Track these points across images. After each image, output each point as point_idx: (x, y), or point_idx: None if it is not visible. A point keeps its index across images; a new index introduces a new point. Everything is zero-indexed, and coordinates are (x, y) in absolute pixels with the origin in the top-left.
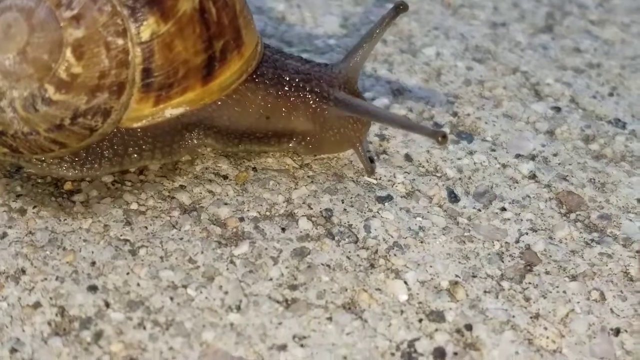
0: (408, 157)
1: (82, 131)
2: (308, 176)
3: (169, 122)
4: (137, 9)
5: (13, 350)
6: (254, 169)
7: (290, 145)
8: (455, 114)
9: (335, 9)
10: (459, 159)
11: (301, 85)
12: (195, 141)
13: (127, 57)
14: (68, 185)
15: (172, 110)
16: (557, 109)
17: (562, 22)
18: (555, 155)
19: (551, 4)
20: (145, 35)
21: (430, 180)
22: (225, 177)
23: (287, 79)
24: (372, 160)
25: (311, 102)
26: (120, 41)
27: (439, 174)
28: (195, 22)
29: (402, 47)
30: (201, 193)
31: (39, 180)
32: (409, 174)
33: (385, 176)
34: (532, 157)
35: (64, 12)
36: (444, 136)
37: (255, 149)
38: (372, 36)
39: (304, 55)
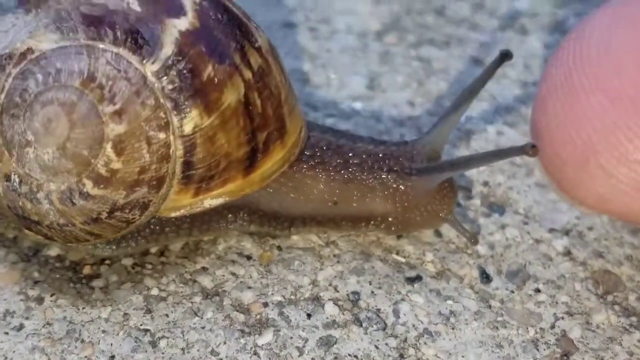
0: (437, 233)
1: (118, 224)
2: (334, 255)
3: None
4: (181, 102)
5: None
6: (279, 247)
7: (368, 228)
8: (486, 184)
9: (361, 68)
10: (490, 234)
11: (376, 167)
12: (236, 224)
13: (169, 150)
14: (87, 270)
15: (211, 200)
16: None
17: None
18: (590, 229)
19: None
20: (187, 128)
21: (460, 258)
22: (248, 258)
23: (357, 162)
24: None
25: (390, 181)
26: (162, 135)
27: (469, 251)
28: (239, 115)
29: (430, 109)
30: (224, 275)
31: (57, 265)
32: (438, 251)
33: (414, 254)
34: (566, 232)
35: (106, 106)
36: (533, 146)
37: (313, 232)
38: (472, 93)
39: (329, 121)
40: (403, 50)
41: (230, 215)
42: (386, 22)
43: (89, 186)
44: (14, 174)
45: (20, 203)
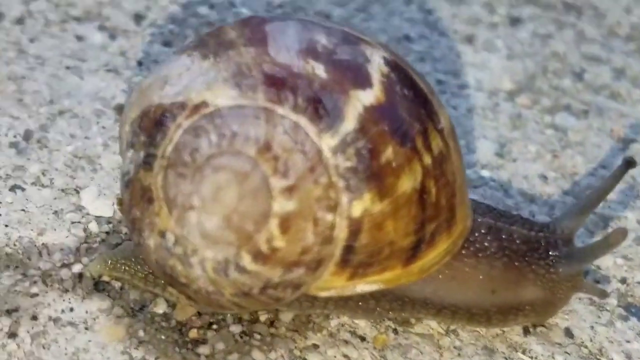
0: (568, 332)
1: (268, 301)
2: (454, 346)
3: None
4: (354, 184)
5: None
6: (395, 330)
7: (517, 320)
8: (624, 281)
9: (491, 131)
10: (627, 341)
11: (529, 254)
12: (376, 311)
13: (332, 233)
14: (193, 334)
15: (364, 286)
16: None
17: None
18: None
19: None
20: (356, 211)
21: None
22: (362, 339)
23: (514, 248)
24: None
25: (542, 269)
26: (329, 217)
27: (603, 358)
28: (412, 203)
29: (563, 187)
30: (335, 357)
31: (163, 324)
32: (569, 355)
33: (542, 355)
34: None
35: (278, 180)
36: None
37: (460, 325)
38: (600, 198)
39: None
40: (536, 115)
41: (372, 301)
42: (520, 81)
43: (246, 260)
44: (170, 233)
45: (171, 262)
